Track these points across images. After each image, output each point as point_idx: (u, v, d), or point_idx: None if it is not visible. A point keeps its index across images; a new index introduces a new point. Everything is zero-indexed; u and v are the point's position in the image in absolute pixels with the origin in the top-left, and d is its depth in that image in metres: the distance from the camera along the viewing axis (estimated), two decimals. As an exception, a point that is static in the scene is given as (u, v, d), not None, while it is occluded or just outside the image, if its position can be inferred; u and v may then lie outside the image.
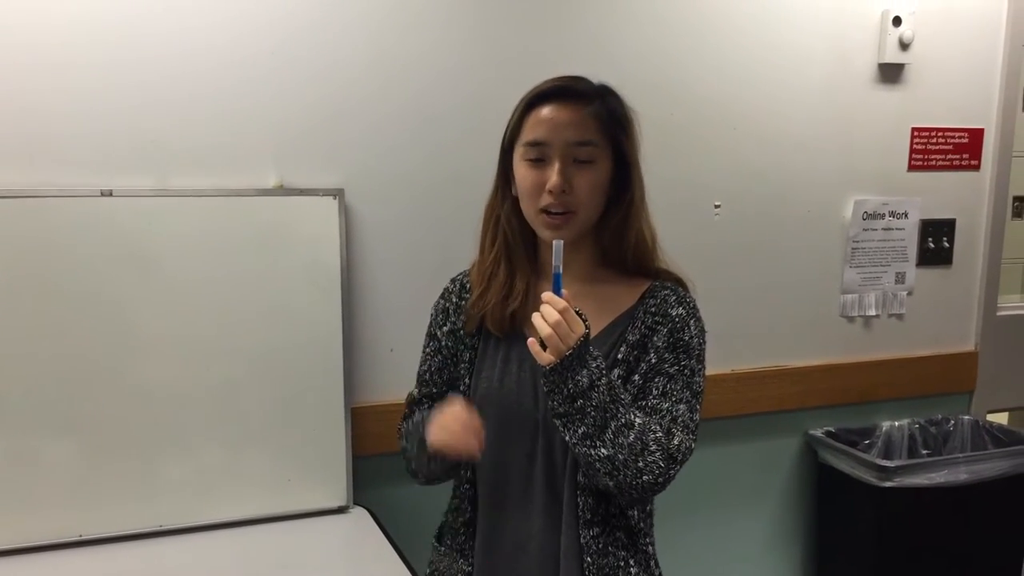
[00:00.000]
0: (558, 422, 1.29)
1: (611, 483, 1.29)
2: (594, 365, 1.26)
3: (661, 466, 1.28)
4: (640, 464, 1.27)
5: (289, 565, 1.85)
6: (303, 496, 2.06)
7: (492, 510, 1.44)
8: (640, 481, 1.28)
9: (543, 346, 1.25)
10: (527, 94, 1.38)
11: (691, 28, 2.35)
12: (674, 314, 1.38)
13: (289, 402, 2.03)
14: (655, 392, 1.35)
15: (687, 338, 1.37)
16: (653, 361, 1.36)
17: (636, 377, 1.36)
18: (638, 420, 1.29)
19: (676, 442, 1.31)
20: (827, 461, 2.60)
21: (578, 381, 1.24)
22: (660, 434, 1.30)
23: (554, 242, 1.25)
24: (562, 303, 1.23)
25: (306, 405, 2.04)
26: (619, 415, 1.27)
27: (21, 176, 1.83)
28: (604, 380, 1.27)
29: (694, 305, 1.42)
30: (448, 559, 1.49)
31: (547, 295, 1.24)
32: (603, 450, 1.27)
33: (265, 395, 2.01)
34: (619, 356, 1.37)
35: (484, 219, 1.46)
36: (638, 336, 1.37)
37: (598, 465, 1.28)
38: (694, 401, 1.37)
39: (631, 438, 1.27)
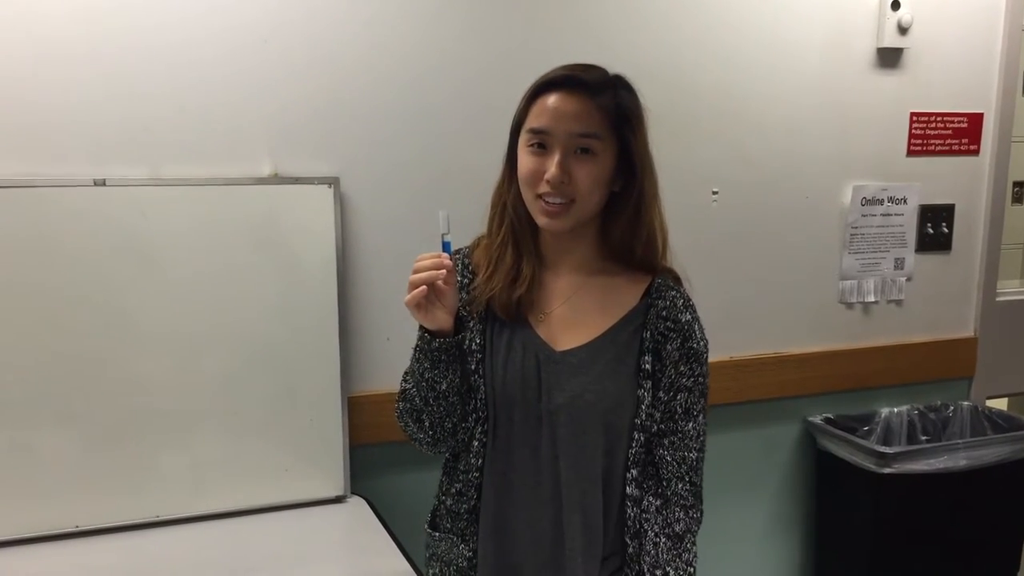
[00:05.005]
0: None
1: None
2: None
3: (698, 521, 1.42)
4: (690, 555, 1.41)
5: (286, 555, 1.84)
6: (300, 486, 2.06)
7: (500, 498, 1.42)
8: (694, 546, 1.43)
9: None
10: (537, 80, 1.36)
11: (688, 15, 2.33)
12: (683, 320, 1.39)
13: (285, 392, 2.02)
14: (679, 411, 1.39)
15: (694, 345, 1.39)
16: (672, 376, 1.38)
17: (661, 393, 1.38)
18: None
19: (697, 480, 1.41)
20: (826, 448, 2.59)
21: None
22: (691, 512, 1.41)
23: (440, 212, 1.32)
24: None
25: (302, 395, 2.04)
26: None
27: (13, 165, 1.82)
28: None
29: (694, 306, 1.43)
30: (447, 543, 1.47)
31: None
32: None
33: (261, 385, 2.00)
34: (646, 367, 1.38)
35: (492, 203, 1.45)
36: (653, 344, 1.38)
37: None
38: (703, 402, 1.42)
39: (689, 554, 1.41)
